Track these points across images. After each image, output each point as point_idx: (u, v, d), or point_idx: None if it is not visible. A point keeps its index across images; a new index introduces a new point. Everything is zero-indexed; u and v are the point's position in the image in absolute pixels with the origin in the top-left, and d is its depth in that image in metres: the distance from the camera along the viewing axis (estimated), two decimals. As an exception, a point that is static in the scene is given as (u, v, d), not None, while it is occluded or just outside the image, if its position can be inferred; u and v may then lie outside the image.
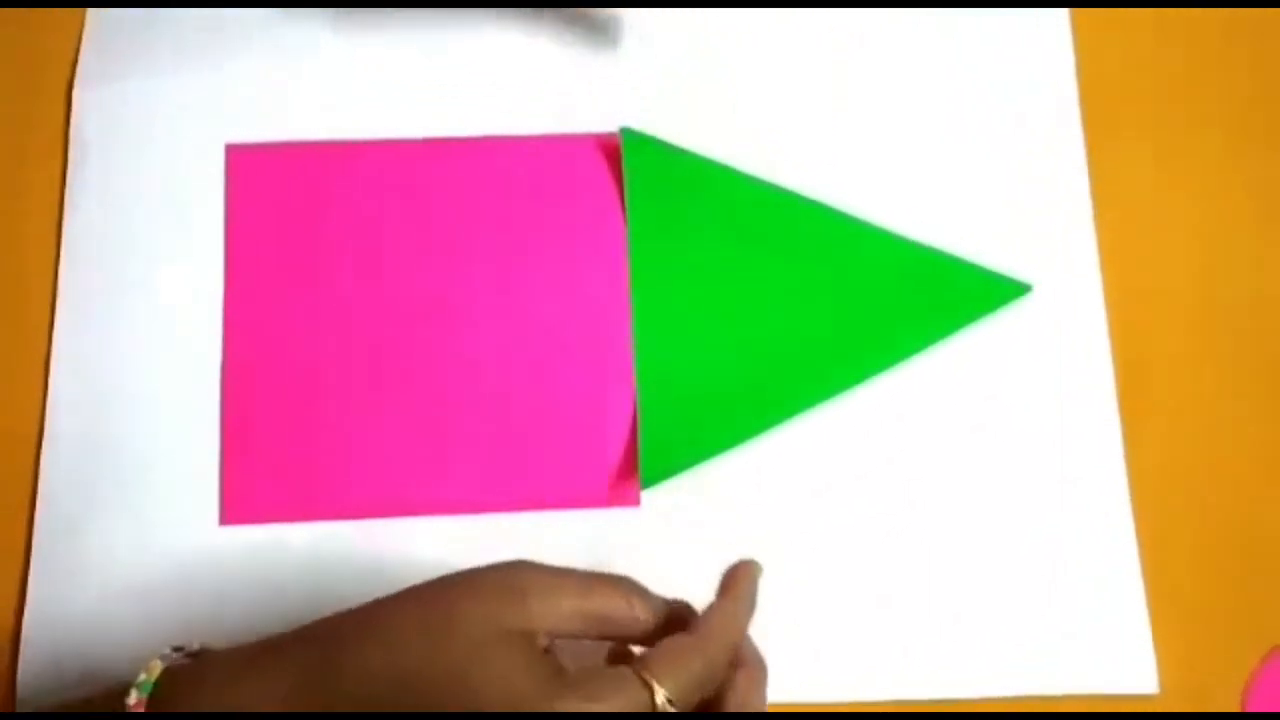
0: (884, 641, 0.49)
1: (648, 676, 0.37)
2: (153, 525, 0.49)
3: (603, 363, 0.51)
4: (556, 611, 0.38)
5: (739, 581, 0.41)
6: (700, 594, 0.49)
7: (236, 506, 0.50)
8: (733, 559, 0.49)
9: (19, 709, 0.48)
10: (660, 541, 0.50)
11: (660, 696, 0.37)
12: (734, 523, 0.50)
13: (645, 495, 0.50)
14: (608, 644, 0.42)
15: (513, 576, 0.39)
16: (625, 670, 0.38)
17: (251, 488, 0.50)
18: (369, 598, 0.49)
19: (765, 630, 0.48)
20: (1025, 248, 0.53)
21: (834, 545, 0.50)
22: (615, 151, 0.53)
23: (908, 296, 0.52)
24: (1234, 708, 0.49)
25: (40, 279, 0.52)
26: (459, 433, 0.51)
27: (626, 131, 0.53)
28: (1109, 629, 0.49)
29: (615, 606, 0.39)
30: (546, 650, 0.38)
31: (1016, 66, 0.55)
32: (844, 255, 0.53)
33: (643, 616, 0.40)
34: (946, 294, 0.52)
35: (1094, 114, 0.55)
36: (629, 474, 0.50)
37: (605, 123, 0.54)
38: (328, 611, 0.49)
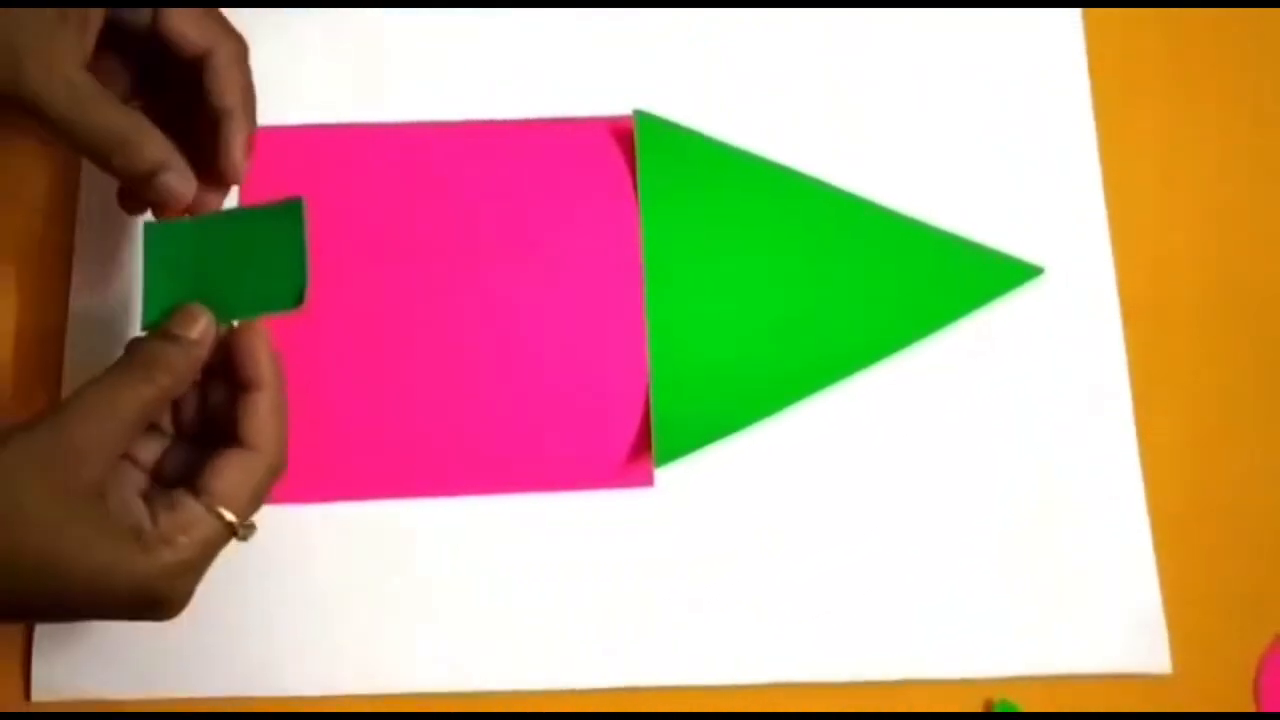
0: (899, 620, 0.49)
1: (220, 509, 0.40)
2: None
3: (616, 344, 0.52)
4: (107, 445, 0.39)
5: (259, 364, 0.42)
6: (713, 573, 0.49)
7: (251, 487, 0.50)
8: (741, 539, 0.50)
9: (34, 694, 0.48)
10: (674, 521, 0.50)
11: (235, 520, 0.41)
12: (747, 503, 0.50)
13: (659, 475, 0.50)
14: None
15: (55, 440, 0.39)
16: (196, 508, 0.40)
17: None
18: (382, 578, 0.49)
19: (781, 608, 0.49)
20: (1037, 230, 0.53)
21: (847, 525, 0.50)
22: (628, 134, 0.53)
23: (921, 279, 0.52)
24: (1246, 689, 0.49)
25: (55, 259, 0.52)
26: (473, 415, 0.51)
27: (640, 114, 0.53)
28: (1122, 610, 0.49)
29: (146, 397, 0.40)
30: (118, 491, 0.40)
31: (1029, 53, 0.55)
32: (857, 238, 0.53)
33: (171, 383, 0.41)
34: (959, 276, 0.52)
35: (1105, 96, 0.55)
36: (643, 454, 0.50)
37: (619, 106, 0.54)
38: (341, 591, 0.49)
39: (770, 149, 0.54)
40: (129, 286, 0.52)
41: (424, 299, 0.52)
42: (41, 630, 0.48)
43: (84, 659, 0.48)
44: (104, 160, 0.43)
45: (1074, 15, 0.56)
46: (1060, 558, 0.50)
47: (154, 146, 0.43)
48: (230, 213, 0.45)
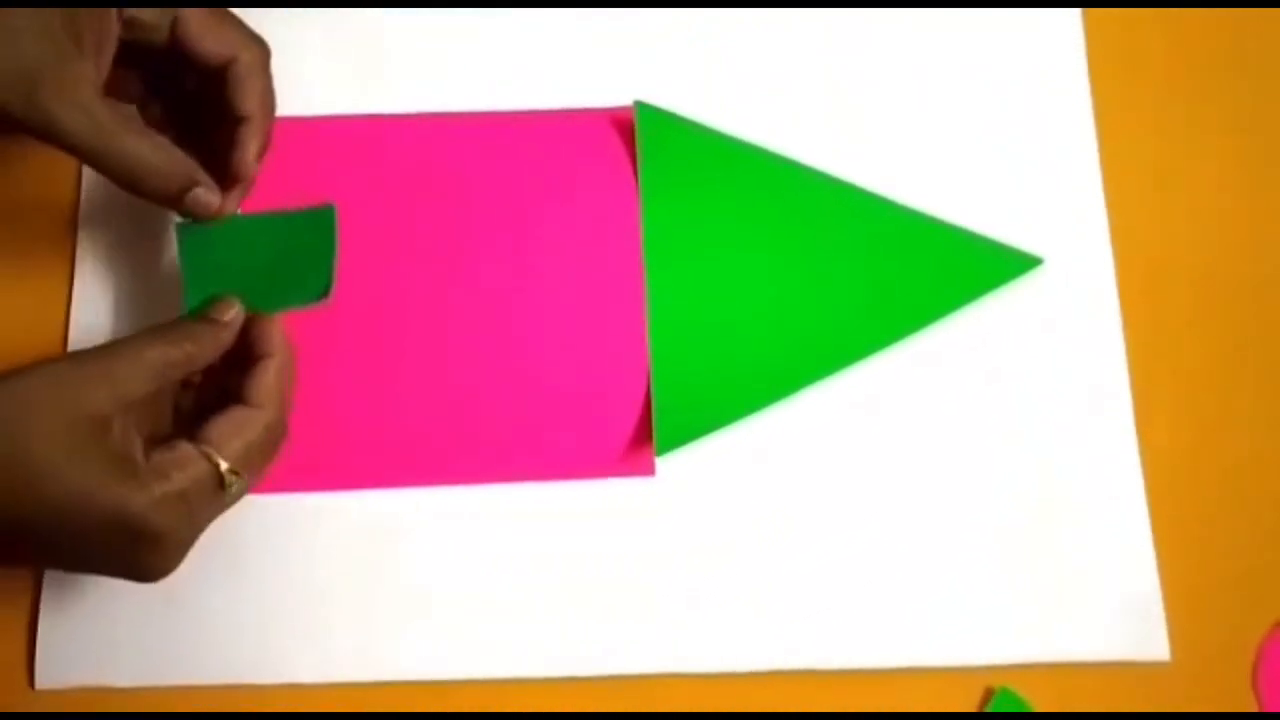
0: (898, 609, 0.49)
1: (209, 451, 0.41)
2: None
3: (617, 334, 0.52)
4: (122, 386, 0.41)
5: (271, 339, 0.45)
6: (714, 562, 0.50)
7: (254, 477, 0.50)
8: (742, 528, 0.50)
9: (38, 681, 0.48)
10: (675, 510, 0.50)
11: (224, 466, 0.42)
12: (747, 492, 0.50)
13: (660, 465, 0.50)
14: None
15: (75, 369, 0.41)
16: (188, 448, 0.41)
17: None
18: (383, 567, 0.49)
19: (782, 597, 0.49)
20: (1036, 221, 0.53)
21: (847, 514, 0.50)
22: (629, 126, 0.53)
23: (920, 269, 0.52)
24: (1244, 677, 0.49)
25: (58, 251, 0.53)
26: (473, 404, 0.51)
27: (640, 105, 0.53)
28: (1121, 598, 0.49)
29: (170, 357, 0.42)
30: (122, 429, 0.41)
31: (1029, 52, 0.56)
32: (857, 228, 0.53)
33: (195, 350, 0.43)
34: (958, 267, 0.53)
35: (1104, 95, 0.55)
36: (644, 443, 0.50)
37: (619, 97, 0.54)
38: (344, 580, 0.49)
39: (770, 141, 0.54)
40: (130, 286, 0.52)
41: (424, 288, 0.52)
42: (46, 618, 0.48)
43: (87, 648, 0.48)
44: (131, 187, 0.44)
45: (1074, 15, 0.56)
46: (1059, 546, 0.50)
47: (180, 169, 0.45)
48: (262, 215, 0.48)
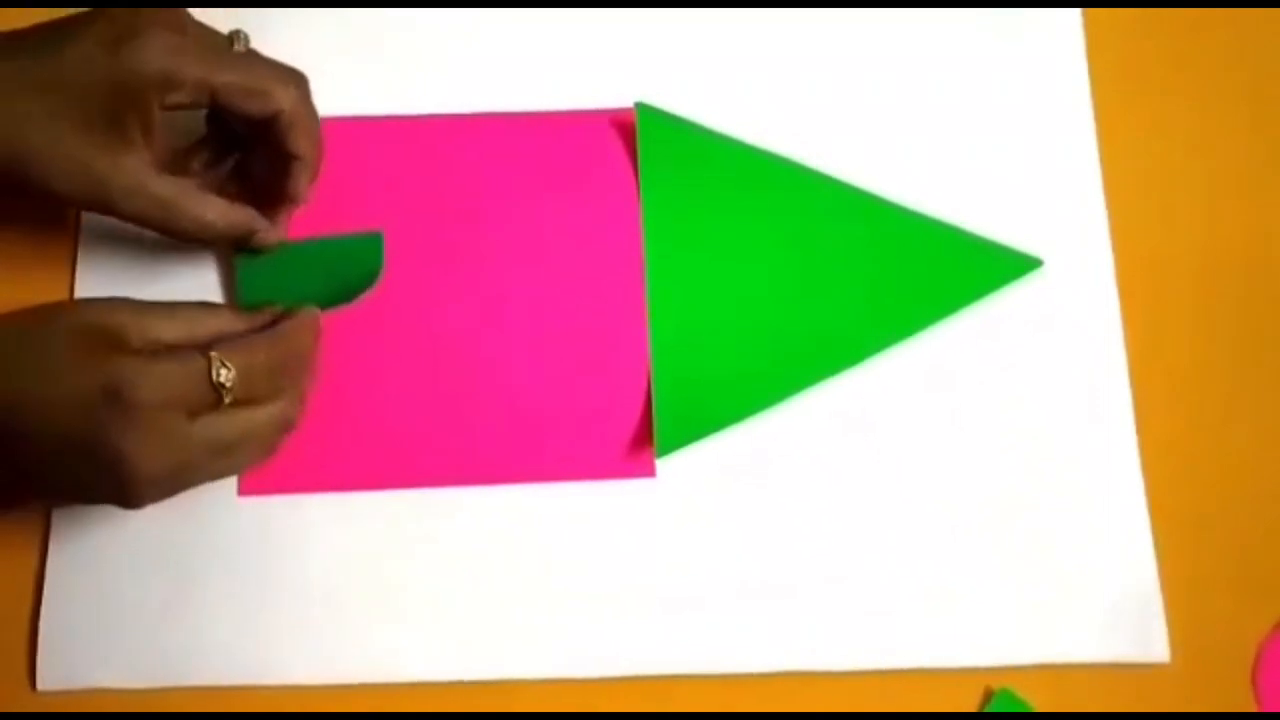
0: (899, 610, 0.49)
1: (211, 352, 0.42)
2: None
3: (618, 336, 0.52)
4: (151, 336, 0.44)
5: (305, 309, 0.47)
6: (716, 564, 0.50)
7: (255, 477, 0.50)
8: (743, 529, 0.50)
9: (40, 683, 0.48)
10: (676, 512, 0.50)
11: (218, 368, 0.43)
12: (748, 494, 0.50)
13: (661, 467, 0.50)
14: None
15: (109, 315, 0.44)
16: (190, 347, 0.43)
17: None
18: (384, 568, 0.49)
19: (782, 598, 0.49)
20: (1037, 223, 0.53)
21: (847, 515, 0.50)
22: (630, 127, 0.53)
23: (920, 270, 0.52)
24: (1244, 678, 0.49)
25: (59, 252, 0.53)
26: (474, 405, 0.51)
27: (641, 106, 0.53)
28: (1121, 599, 0.49)
29: (209, 325, 0.45)
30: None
31: (1030, 52, 0.56)
32: (857, 230, 0.53)
33: (235, 325, 0.46)
34: (958, 268, 0.53)
35: (1104, 94, 0.55)
36: (644, 445, 0.51)
37: (620, 99, 0.54)
38: (344, 582, 0.49)
39: (771, 142, 0.54)
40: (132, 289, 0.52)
41: (425, 289, 0.52)
42: (47, 620, 0.49)
43: (89, 649, 0.48)
44: (201, 242, 0.50)
45: (1074, 15, 0.56)
46: (1059, 548, 0.50)
47: (239, 221, 0.49)
48: (313, 241, 0.51)
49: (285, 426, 0.46)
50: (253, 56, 0.48)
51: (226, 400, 0.43)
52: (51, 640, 0.48)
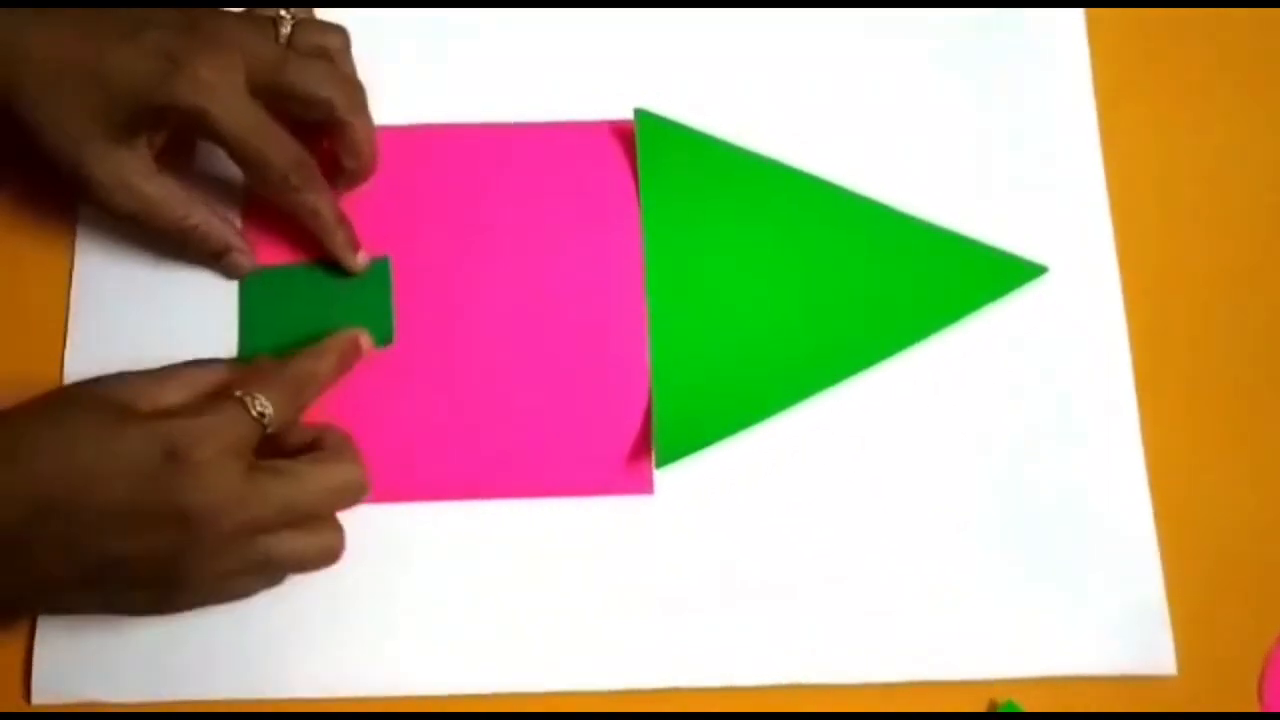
0: (902, 622, 0.49)
1: (241, 394, 0.44)
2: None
3: (617, 348, 0.51)
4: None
5: (335, 337, 0.48)
6: (714, 578, 0.49)
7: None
8: (742, 544, 0.50)
9: (34, 696, 0.48)
10: (673, 527, 0.50)
11: (251, 402, 0.44)
12: (747, 508, 0.50)
13: (659, 482, 0.50)
14: None
15: (117, 391, 0.44)
16: (213, 395, 0.45)
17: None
18: (381, 583, 0.49)
19: (783, 612, 0.49)
20: (1041, 230, 0.53)
21: (849, 528, 0.50)
22: (630, 136, 0.53)
23: (924, 278, 0.52)
24: (1251, 690, 0.49)
25: (57, 259, 0.52)
26: (472, 419, 0.51)
27: (641, 112, 0.53)
28: (1127, 611, 0.49)
29: (209, 380, 0.46)
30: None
31: (1032, 53, 0.55)
32: (860, 237, 0.53)
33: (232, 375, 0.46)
34: (962, 275, 0.52)
35: (1108, 96, 0.55)
36: (642, 461, 0.50)
37: (620, 109, 0.54)
38: (340, 595, 0.49)
39: (772, 149, 0.54)
40: (132, 294, 0.52)
41: (421, 300, 0.52)
42: (43, 633, 0.48)
43: (85, 663, 0.48)
44: (180, 247, 0.50)
45: (1077, 15, 0.56)
46: (1064, 559, 0.50)
47: (217, 235, 0.50)
48: (318, 265, 0.51)
49: (349, 488, 0.47)
50: (298, 74, 0.48)
51: (269, 429, 0.44)
52: (47, 653, 0.48)
